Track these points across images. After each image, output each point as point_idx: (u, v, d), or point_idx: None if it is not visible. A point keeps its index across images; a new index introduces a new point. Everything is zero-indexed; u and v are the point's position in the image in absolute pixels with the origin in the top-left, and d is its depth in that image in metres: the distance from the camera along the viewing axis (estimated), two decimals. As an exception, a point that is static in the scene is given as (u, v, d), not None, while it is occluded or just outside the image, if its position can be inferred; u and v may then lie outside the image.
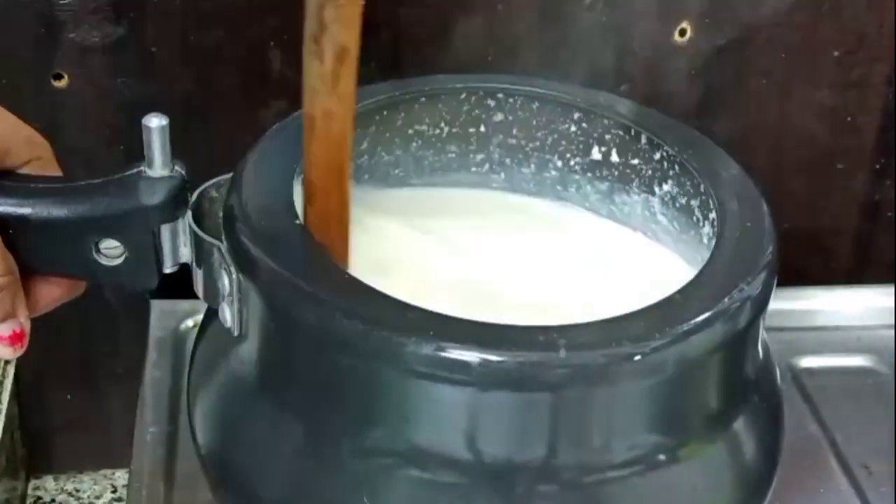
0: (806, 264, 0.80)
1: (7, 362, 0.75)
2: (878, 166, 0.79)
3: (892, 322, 0.74)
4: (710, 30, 0.74)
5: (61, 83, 0.70)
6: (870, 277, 0.81)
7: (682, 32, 0.74)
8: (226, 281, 0.51)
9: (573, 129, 0.59)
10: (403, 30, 0.71)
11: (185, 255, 0.53)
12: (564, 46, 0.73)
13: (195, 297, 0.55)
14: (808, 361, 0.72)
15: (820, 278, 0.79)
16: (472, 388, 0.45)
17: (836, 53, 0.76)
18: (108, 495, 0.79)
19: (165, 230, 0.52)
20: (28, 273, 0.52)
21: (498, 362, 0.44)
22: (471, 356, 0.44)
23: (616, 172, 0.60)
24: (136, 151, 0.71)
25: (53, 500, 0.79)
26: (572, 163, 0.61)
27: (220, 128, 0.72)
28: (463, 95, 0.59)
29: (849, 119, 0.78)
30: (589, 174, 0.60)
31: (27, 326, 0.51)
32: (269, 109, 0.73)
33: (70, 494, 0.79)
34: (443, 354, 0.44)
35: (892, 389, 0.70)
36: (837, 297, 0.76)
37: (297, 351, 0.48)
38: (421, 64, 0.72)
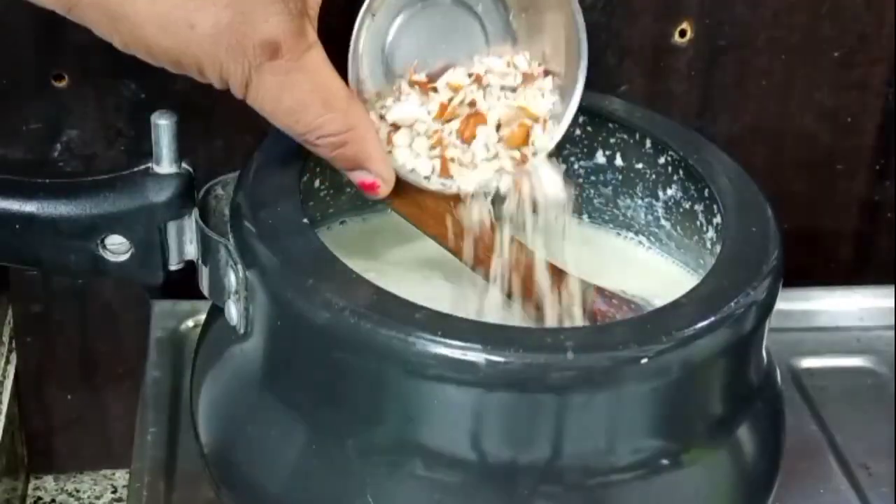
0: (806, 264, 0.80)
1: (7, 362, 0.74)
2: (878, 166, 0.79)
3: (892, 322, 0.74)
4: (710, 30, 0.74)
5: (61, 83, 0.69)
6: (870, 278, 0.81)
7: (682, 33, 0.74)
8: (232, 278, 0.51)
9: (577, 132, 0.59)
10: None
11: (192, 252, 0.54)
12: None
13: (195, 296, 0.55)
14: (808, 362, 0.72)
15: (820, 278, 0.79)
16: (479, 389, 0.45)
17: (836, 54, 0.76)
18: (108, 495, 0.79)
19: (172, 227, 0.53)
20: None
21: (505, 363, 0.44)
22: (478, 357, 0.44)
23: (620, 176, 0.60)
24: (136, 152, 0.72)
25: (53, 500, 0.79)
26: (576, 166, 0.61)
27: (220, 128, 0.72)
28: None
29: (849, 119, 0.78)
30: (593, 178, 0.61)
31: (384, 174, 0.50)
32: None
33: (70, 494, 0.79)
34: (450, 354, 0.44)
35: (892, 389, 0.70)
36: (837, 298, 0.76)
37: (303, 349, 0.48)
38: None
